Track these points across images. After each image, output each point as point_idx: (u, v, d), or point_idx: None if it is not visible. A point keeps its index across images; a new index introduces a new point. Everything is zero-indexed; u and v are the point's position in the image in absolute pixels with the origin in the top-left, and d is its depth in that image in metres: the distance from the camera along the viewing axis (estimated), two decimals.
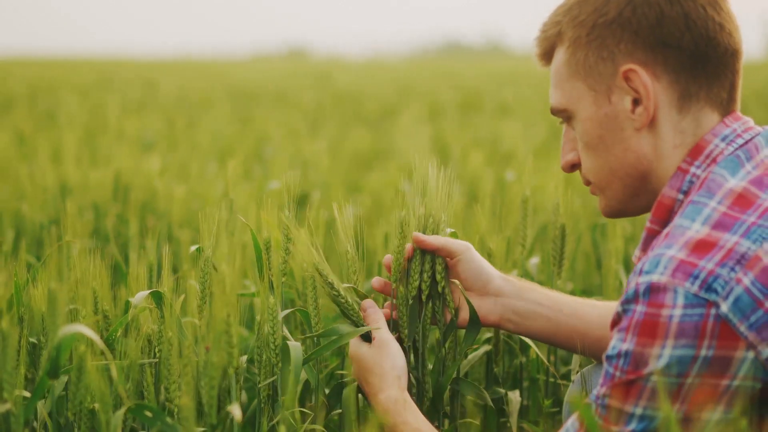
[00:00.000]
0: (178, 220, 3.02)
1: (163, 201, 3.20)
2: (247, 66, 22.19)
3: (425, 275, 1.69)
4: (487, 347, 1.99)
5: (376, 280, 1.74)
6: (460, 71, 17.79)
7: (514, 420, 1.92)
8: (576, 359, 1.97)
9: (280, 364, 1.64)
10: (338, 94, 11.22)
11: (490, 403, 1.82)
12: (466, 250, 1.70)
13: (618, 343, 1.31)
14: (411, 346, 1.71)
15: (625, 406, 1.30)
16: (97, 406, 1.43)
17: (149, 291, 1.68)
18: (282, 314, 1.67)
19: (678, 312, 1.27)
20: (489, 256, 2.01)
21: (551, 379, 2.07)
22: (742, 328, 1.26)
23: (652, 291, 1.28)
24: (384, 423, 1.58)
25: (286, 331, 1.71)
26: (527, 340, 1.98)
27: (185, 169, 4.16)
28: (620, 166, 1.47)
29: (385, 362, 1.62)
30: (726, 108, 1.44)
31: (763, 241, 1.29)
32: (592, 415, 1.31)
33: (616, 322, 1.33)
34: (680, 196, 1.41)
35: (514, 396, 1.96)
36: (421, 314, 1.71)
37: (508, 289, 1.70)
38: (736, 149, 1.40)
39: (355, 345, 1.66)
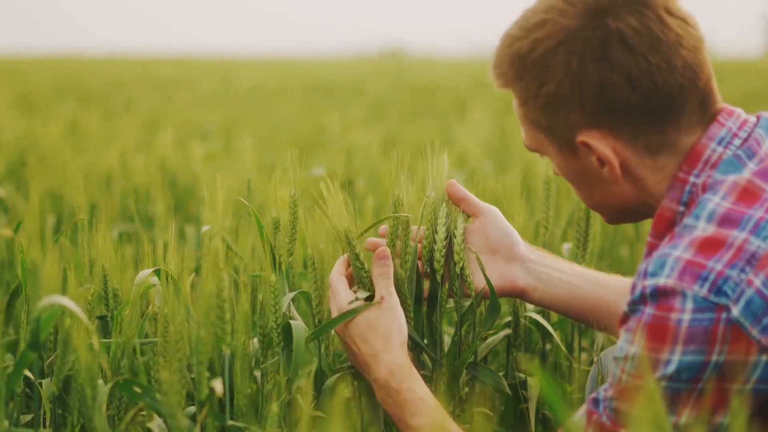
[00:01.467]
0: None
1: (205, 187, 3.20)
2: (333, 64, 22.29)
3: (437, 253, 1.63)
4: (507, 331, 1.94)
5: (375, 245, 1.67)
6: None
7: (532, 406, 1.86)
8: (598, 343, 1.91)
9: (282, 344, 1.60)
10: (414, 89, 11.21)
11: (507, 390, 1.77)
12: (493, 210, 1.64)
13: (626, 344, 1.25)
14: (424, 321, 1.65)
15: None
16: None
17: (152, 269, 1.66)
18: (289, 296, 1.63)
19: (687, 316, 1.20)
20: None
21: (576, 365, 2.00)
22: (755, 332, 1.20)
23: (660, 294, 1.22)
24: (386, 386, 1.51)
25: (294, 311, 1.67)
26: (547, 326, 1.91)
27: (237, 157, 4.17)
28: (606, 202, 1.42)
29: (392, 324, 1.54)
30: (705, 116, 1.34)
31: None
32: None
33: (623, 321, 1.27)
34: (681, 209, 1.33)
35: (534, 382, 1.90)
36: (438, 292, 1.65)
37: (531, 255, 1.65)
38: (736, 150, 1.32)
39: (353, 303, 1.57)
